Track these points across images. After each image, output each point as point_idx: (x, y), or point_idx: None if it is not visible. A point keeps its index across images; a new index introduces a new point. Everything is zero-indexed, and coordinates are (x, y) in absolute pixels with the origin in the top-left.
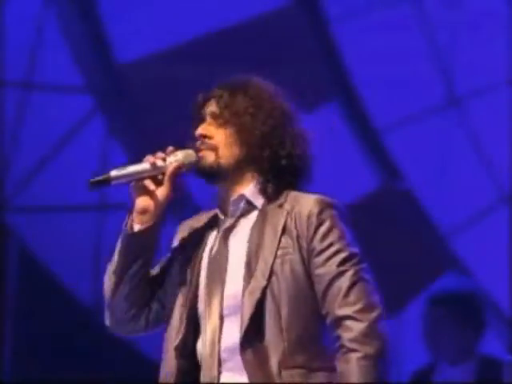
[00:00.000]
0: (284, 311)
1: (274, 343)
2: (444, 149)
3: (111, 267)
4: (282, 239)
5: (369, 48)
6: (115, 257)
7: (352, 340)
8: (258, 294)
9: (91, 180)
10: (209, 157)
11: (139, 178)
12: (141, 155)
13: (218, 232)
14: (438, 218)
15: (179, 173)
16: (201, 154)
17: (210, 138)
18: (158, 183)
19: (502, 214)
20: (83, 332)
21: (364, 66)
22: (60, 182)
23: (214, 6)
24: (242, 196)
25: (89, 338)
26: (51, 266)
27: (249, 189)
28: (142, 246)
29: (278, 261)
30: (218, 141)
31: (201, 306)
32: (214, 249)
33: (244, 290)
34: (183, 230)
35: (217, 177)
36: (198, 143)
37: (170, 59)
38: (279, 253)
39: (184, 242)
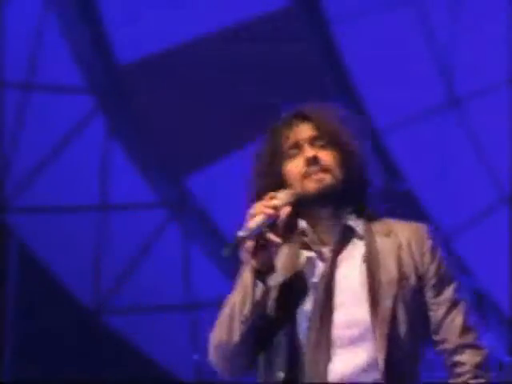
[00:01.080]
0: (405, 339)
1: (403, 370)
2: (444, 149)
3: (238, 316)
4: (401, 270)
5: (369, 48)
6: (244, 304)
7: (478, 366)
8: (387, 325)
9: (225, 252)
10: (327, 179)
11: (259, 231)
12: (141, 156)
13: (322, 261)
14: (438, 219)
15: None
16: (316, 177)
17: (320, 160)
18: (275, 232)
19: (502, 214)
20: (83, 332)
21: (364, 66)
22: (60, 183)
23: (215, 7)
24: (346, 226)
25: (89, 338)
26: (51, 266)
27: (350, 217)
28: (268, 298)
29: (400, 291)
30: (328, 162)
31: (306, 334)
32: (319, 277)
33: (373, 319)
34: None
35: (329, 199)
36: (311, 168)
37: (170, 60)
38: (401, 283)
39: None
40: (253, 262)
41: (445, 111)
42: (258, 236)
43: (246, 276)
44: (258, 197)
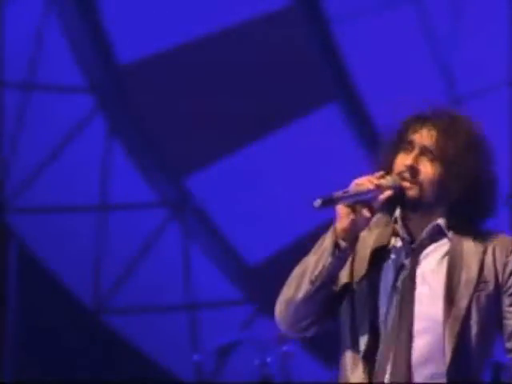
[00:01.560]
0: (474, 341)
1: (468, 370)
2: None
3: (308, 276)
4: (482, 273)
5: (370, 49)
6: (317, 266)
7: None
8: (458, 324)
9: (317, 202)
10: (412, 190)
11: (356, 200)
12: (141, 155)
13: (406, 252)
14: None
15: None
16: (405, 184)
17: (417, 171)
18: (369, 208)
19: (502, 214)
20: (83, 331)
21: (365, 66)
22: (61, 183)
23: (215, 7)
24: (437, 226)
25: (89, 338)
26: (51, 266)
27: (442, 220)
28: (343, 263)
29: (476, 294)
30: (424, 176)
31: (381, 319)
32: (402, 267)
33: (445, 317)
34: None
35: (413, 208)
36: (405, 173)
37: (171, 59)
38: (479, 286)
39: (363, 251)
40: (338, 227)
41: None
42: (352, 204)
43: (327, 239)
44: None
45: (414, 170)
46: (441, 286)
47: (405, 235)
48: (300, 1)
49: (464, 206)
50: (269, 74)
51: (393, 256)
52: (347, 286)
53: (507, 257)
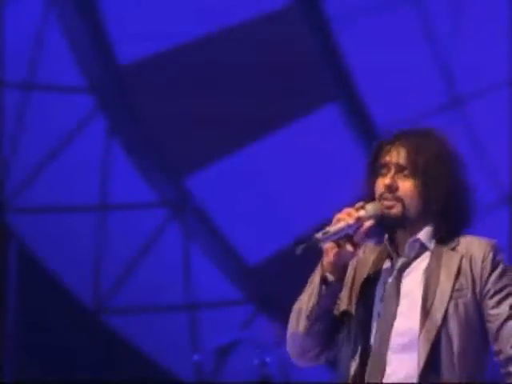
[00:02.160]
0: (456, 349)
1: (448, 379)
2: None
3: (304, 311)
4: (458, 281)
5: (370, 49)
6: (310, 302)
7: None
8: (433, 333)
9: (298, 249)
10: (395, 208)
11: (338, 237)
12: (141, 155)
13: (392, 270)
14: None
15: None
16: (386, 203)
17: (396, 188)
18: (351, 242)
19: (502, 214)
20: (83, 331)
21: (365, 66)
22: (61, 183)
23: (215, 7)
24: (418, 239)
25: (89, 338)
26: (51, 265)
27: (423, 233)
28: (333, 296)
29: (453, 302)
30: (403, 192)
31: (372, 341)
32: (388, 285)
33: (420, 328)
34: (352, 265)
35: (398, 226)
36: (385, 193)
37: (171, 59)
38: (454, 294)
39: (360, 277)
40: (324, 261)
41: (446, 111)
42: (335, 241)
43: (316, 276)
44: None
45: (392, 188)
46: (420, 300)
47: (393, 254)
48: (300, 1)
49: (445, 216)
50: (269, 73)
51: (383, 277)
52: (346, 313)
53: (484, 261)
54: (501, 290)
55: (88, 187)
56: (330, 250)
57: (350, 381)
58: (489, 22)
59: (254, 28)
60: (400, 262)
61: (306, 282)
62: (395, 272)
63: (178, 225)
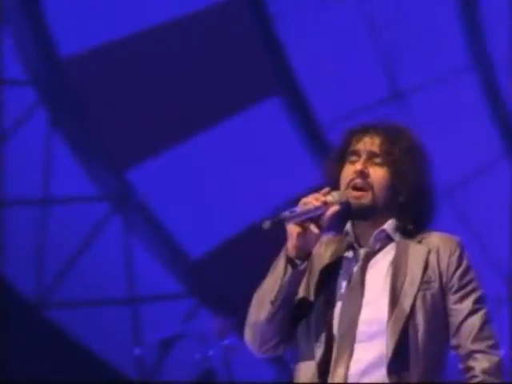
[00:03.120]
0: (421, 339)
1: (414, 368)
2: None
3: (268, 297)
4: (426, 273)
5: (313, 43)
6: (274, 287)
7: (486, 371)
8: (401, 322)
9: (266, 223)
10: (365, 198)
11: (304, 218)
12: (84, 149)
13: (356, 261)
14: None
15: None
16: (355, 193)
17: (367, 175)
18: (317, 224)
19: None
20: (24, 326)
21: (308, 60)
22: (2, 177)
23: (157, 0)
24: (383, 231)
25: (30, 332)
26: None
27: (388, 225)
28: (299, 280)
29: (421, 293)
30: (374, 180)
31: (335, 329)
32: (353, 276)
33: (389, 317)
34: (312, 257)
35: (366, 215)
36: (356, 179)
37: (114, 52)
38: (423, 286)
39: (318, 268)
40: (289, 245)
41: (387, 105)
42: (301, 222)
43: (281, 260)
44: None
45: (364, 174)
46: (387, 290)
47: (355, 245)
48: None
49: (411, 209)
50: (211, 67)
51: (345, 267)
52: (305, 301)
53: (450, 257)
54: (465, 286)
55: (30, 181)
56: (295, 233)
57: (316, 367)
58: (431, 17)
59: (196, 21)
60: (364, 252)
61: (249, 276)
62: (360, 262)
63: (121, 218)
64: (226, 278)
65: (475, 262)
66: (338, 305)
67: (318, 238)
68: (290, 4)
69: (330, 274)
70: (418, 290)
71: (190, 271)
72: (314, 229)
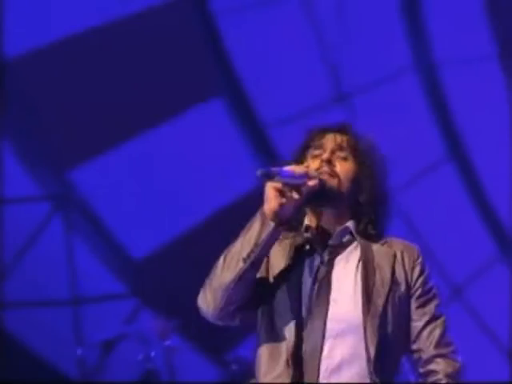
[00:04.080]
0: (391, 340)
1: (387, 368)
2: None
3: (238, 256)
4: (394, 276)
5: (256, 44)
6: (248, 245)
7: (449, 376)
8: (377, 321)
9: (258, 171)
10: (332, 181)
11: (288, 181)
12: (26, 149)
13: (320, 256)
14: None
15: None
16: (323, 177)
17: (334, 165)
18: (297, 191)
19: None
20: None
21: (251, 61)
22: None
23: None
24: (347, 228)
25: None
26: None
27: (351, 223)
28: (273, 241)
29: (391, 293)
30: (340, 171)
31: (304, 323)
32: (319, 273)
33: (365, 316)
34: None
35: (331, 202)
36: (323, 167)
37: (56, 52)
38: (392, 287)
39: (277, 263)
40: (266, 208)
41: (331, 108)
42: (284, 184)
43: (256, 221)
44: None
45: (331, 163)
46: (358, 287)
47: (317, 241)
48: None
49: (371, 208)
50: (155, 67)
51: (307, 261)
52: (266, 282)
53: (414, 262)
54: (427, 292)
55: None
56: (273, 196)
57: (285, 360)
58: (375, 18)
59: (140, 21)
60: (327, 250)
61: (191, 278)
62: (325, 258)
63: (62, 219)
64: (169, 278)
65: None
66: (304, 299)
67: (295, 206)
68: (233, 3)
69: (292, 270)
70: (389, 291)
71: (132, 272)
72: (294, 194)
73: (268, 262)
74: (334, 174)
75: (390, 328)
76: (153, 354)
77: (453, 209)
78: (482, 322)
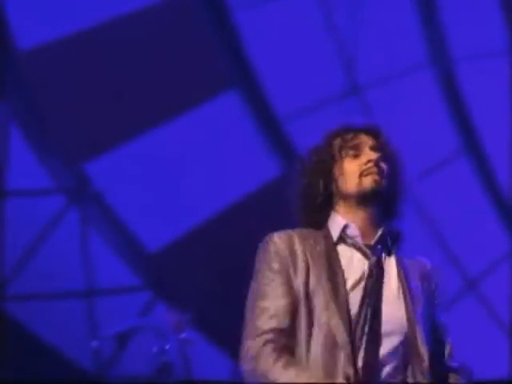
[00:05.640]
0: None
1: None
2: None
3: None
4: (423, 288)
5: (271, 36)
6: None
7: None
8: (414, 324)
9: None
10: (383, 183)
11: None
12: (39, 141)
13: (367, 258)
14: None
15: None
16: (375, 177)
17: (380, 166)
18: None
19: None
20: None
21: (266, 54)
22: None
23: None
24: (385, 229)
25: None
26: None
27: (385, 227)
28: None
29: (416, 300)
30: (385, 169)
31: (356, 325)
32: (372, 272)
33: (407, 317)
34: (295, 248)
35: (379, 201)
36: (372, 168)
37: (70, 46)
38: (418, 296)
39: (308, 260)
40: None
41: (345, 100)
42: None
43: None
44: (312, 188)
45: (379, 162)
46: (399, 289)
47: (360, 240)
48: None
49: (394, 209)
50: (170, 59)
51: (350, 264)
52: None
53: (437, 281)
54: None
55: None
56: None
57: (345, 358)
58: (391, 11)
59: (152, 14)
60: (374, 251)
61: (206, 270)
62: (373, 262)
63: (77, 211)
64: (183, 271)
65: (434, 257)
66: (354, 298)
67: None
68: None
69: (328, 268)
70: (418, 301)
71: (147, 264)
72: None
73: (294, 266)
74: (383, 175)
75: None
76: (167, 346)
77: (468, 202)
78: (495, 315)
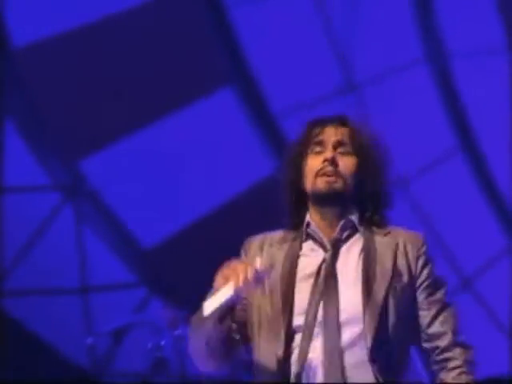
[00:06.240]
0: (392, 333)
1: (390, 352)
2: None
3: (204, 339)
4: (396, 265)
5: (267, 33)
6: (205, 329)
7: (468, 362)
8: (377, 312)
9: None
10: (337, 183)
11: (226, 306)
12: (35, 138)
13: (323, 249)
14: None
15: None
16: (328, 179)
17: (337, 164)
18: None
19: None
20: None
21: (262, 51)
22: None
23: None
24: (350, 221)
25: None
26: None
27: (354, 215)
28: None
29: (393, 285)
30: (343, 168)
31: (302, 318)
32: (325, 264)
33: (364, 307)
34: (260, 249)
35: (336, 202)
36: (326, 168)
37: (66, 42)
38: (394, 278)
39: (272, 261)
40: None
41: (342, 97)
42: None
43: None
44: (287, 185)
45: (334, 161)
46: (359, 279)
47: (320, 235)
48: None
49: (374, 200)
50: (165, 56)
51: (307, 258)
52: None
53: (418, 251)
54: (435, 280)
55: None
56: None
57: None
58: (387, 8)
59: (148, 10)
60: (332, 240)
61: (201, 266)
62: (330, 250)
63: (72, 208)
64: (179, 267)
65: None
66: (305, 295)
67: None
68: None
69: (283, 263)
70: (390, 282)
71: (142, 261)
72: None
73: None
74: (338, 175)
75: (391, 319)
76: (163, 343)
77: (463, 200)
78: (491, 313)
